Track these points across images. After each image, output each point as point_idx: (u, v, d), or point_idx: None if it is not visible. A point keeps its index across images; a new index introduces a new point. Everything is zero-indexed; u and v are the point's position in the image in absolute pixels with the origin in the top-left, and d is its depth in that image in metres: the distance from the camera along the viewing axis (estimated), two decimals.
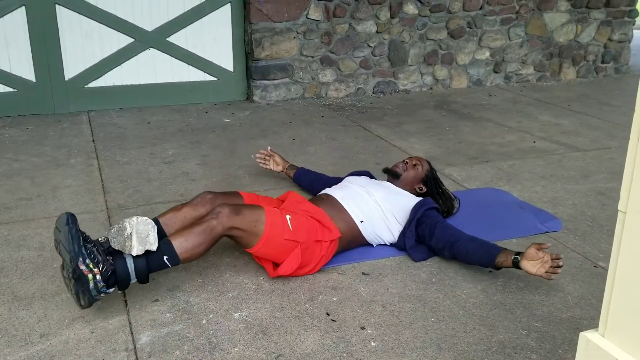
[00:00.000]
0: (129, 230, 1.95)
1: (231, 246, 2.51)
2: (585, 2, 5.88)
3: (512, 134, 4.29)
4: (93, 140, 3.94)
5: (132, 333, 1.95)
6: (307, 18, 4.92)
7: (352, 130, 4.28)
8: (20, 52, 4.31)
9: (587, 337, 1.07)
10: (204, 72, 4.85)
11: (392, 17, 5.22)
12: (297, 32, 4.92)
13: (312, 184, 2.99)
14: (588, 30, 6.02)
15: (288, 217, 2.18)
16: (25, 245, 2.52)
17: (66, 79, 4.49)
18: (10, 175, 3.29)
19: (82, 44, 4.45)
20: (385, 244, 2.51)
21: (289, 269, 2.19)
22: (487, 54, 5.74)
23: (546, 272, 2.05)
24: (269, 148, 3.16)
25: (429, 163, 2.79)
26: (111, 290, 1.96)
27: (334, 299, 2.16)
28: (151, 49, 4.65)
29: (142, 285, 2.08)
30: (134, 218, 1.99)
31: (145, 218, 2.00)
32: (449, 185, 3.27)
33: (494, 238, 2.63)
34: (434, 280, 2.31)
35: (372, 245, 2.50)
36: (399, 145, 3.98)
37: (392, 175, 2.69)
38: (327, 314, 2.06)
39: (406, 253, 2.47)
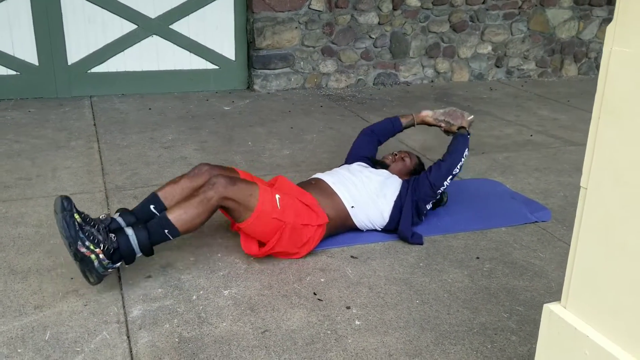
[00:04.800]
0: None
1: (224, 227, 2.56)
2: (588, 0, 5.90)
3: (510, 127, 4.32)
4: (94, 125, 3.99)
5: (124, 307, 2.00)
6: (309, 8, 4.95)
7: (351, 121, 4.32)
8: (23, 35, 4.36)
9: (549, 309, 1.12)
10: (206, 60, 4.89)
11: (394, 9, 5.24)
12: (299, 22, 4.95)
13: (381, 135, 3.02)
14: (590, 27, 6.03)
15: (277, 196, 2.22)
16: (23, 222, 2.58)
17: (69, 63, 4.54)
18: (10, 156, 3.35)
19: (85, 29, 4.50)
20: (376, 229, 2.56)
21: (271, 246, 2.23)
22: (489, 48, 5.76)
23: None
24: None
25: (418, 158, 2.87)
26: (117, 265, 2.03)
27: (322, 280, 2.21)
28: (154, 36, 4.70)
29: (146, 257, 2.13)
30: None
31: None
32: None
33: (485, 226, 2.69)
34: (421, 264, 2.35)
35: (361, 230, 2.54)
36: (396, 136, 4.01)
37: (381, 166, 2.74)
38: (314, 293, 2.11)
39: (396, 236, 2.51)
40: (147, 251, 2.07)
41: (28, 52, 4.42)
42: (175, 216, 2.07)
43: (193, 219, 2.09)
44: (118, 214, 2.19)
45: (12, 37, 4.35)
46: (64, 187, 2.96)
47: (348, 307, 2.04)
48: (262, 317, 1.96)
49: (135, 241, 2.02)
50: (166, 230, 2.06)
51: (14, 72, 4.43)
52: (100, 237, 1.96)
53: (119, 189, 2.97)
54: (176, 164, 3.32)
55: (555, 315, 1.10)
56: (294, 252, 2.31)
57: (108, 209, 2.74)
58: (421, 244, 2.49)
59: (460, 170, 2.63)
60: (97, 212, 2.68)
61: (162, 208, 2.20)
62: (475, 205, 2.90)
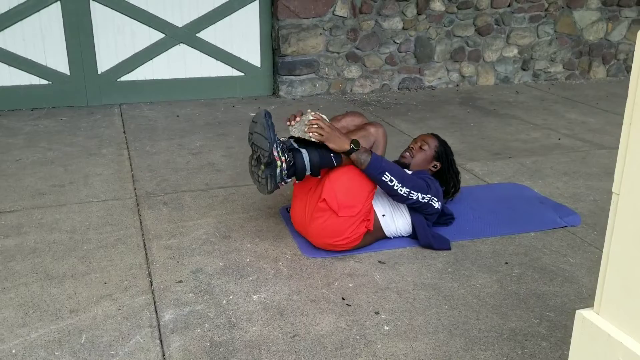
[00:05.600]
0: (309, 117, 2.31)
1: (252, 233, 2.59)
2: (616, 0, 5.81)
3: (537, 131, 4.28)
4: (124, 132, 4.07)
5: (156, 311, 2.04)
6: (333, 14, 4.98)
7: None
8: (55, 46, 4.47)
9: (582, 315, 1.12)
10: (232, 67, 4.95)
11: (418, 13, 5.25)
12: (324, 29, 4.99)
13: None
14: (619, 28, 5.95)
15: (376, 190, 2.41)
16: (57, 228, 2.64)
17: (99, 72, 4.64)
18: (44, 163, 3.44)
19: (114, 39, 4.60)
20: (403, 236, 2.56)
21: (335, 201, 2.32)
22: (515, 51, 5.72)
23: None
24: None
25: (437, 137, 2.74)
26: (289, 180, 2.29)
27: (350, 285, 2.22)
28: (181, 44, 4.77)
29: (314, 176, 2.36)
30: (309, 111, 2.35)
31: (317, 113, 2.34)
32: (469, 180, 3.31)
33: (514, 231, 2.67)
34: (449, 270, 2.35)
35: (389, 238, 2.55)
36: (409, 133, 4.00)
37: (401, 167, 2.71)
38: (343, 298, 2.13)
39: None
40: (316, 171, 2.30)
41: (60, 62, 4.53)
42: None
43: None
44: (293, 139, 2.39)
45: (45, 48, 4.46)
46: (96, 193, 3.03)
47: (377, 313, 2.05)
48: (292, 322, 1.98)
49: (308, 160, 2.27)
50: (332, 155, 2.30)
51: (46, 82, 4.55)
52: (284, 150, 2.24)
53: (149, 195, 3.03)
54: (204, 170, 3.37)
55: (588, 321, 1.10)
56: (344, 242, 2.37)
57: (139, 215, 2.79)
58: (448, 249, 2.48)
59: (413, 199, 2.38)
60: (128, 219, 2.74)
61: None
62: (503, 210, 2.88)
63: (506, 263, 2.40)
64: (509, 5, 5.52)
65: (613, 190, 1.04)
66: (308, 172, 2.30)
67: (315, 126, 2.27)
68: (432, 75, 5.51)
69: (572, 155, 3.75)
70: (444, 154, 2.70)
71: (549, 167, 3.52)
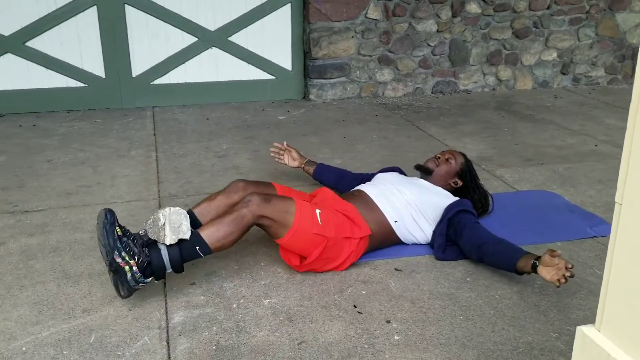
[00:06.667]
0: (162, 220, 2.03)
1: (268, 237, 2.57)
2: None
3: (574, 136, 4.13)
4: (154, 134, 4.13)
5: (166, 312, 2.05)
6: (365, 17, 4.93)
7: (405, 130, 4.26)
8: (91, 50, 4.58)
9: (583, 331, 1.05)
10: (263, 70, 4.97)
11: (453, 16, 5.15)
12: (356, 32, 4.95)
13: (337, 181, 2.89)
14: None
15: (318, 211, 2.20)
16: (80, 228, 2.69)
17: (133, 75, 4.72)
18: (74, 164, 3.51)
19: (148, 43, 4.67)
20: (421, 243, 2.50)
21: (312, 260, 2.20)
22: (554, 54, 5.55)
23: (558, 279, 1.94)
24: (285, 143, 3.06)
25: (464, 156, 2.69)
26: (149, 280, 2.03)
27: (363, 292, 2.17)
28: (213, 47, 4.82)
29: (180, 274, 2.14)
30: (167, 209, 2.06)
31: (177, 208, 2.07)
32: (498, 187, 3.21)
33: (540, 241, 2.57)
34: (468, 279, 2.28)
35: (406, 244, 2.48)
36: (451, 145, 3.93)
37: (424, 172, 2.63)
38: (354, 306, 2.08)
39: None
40: (178, 267, 2.05)
41: (96, 65, 4.63)
42: (208, 233, 2.06)
43: (225, 237, 2.07)
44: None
45: (81, 51, 4.57)
46: (121, 194, 3.07)
47: (388, 321, 2.00)
48: (300, 328, 1.95)
49: (167, 256, 2.02)
50: (197, 247, 2.05)
51: (82, 84, 4.66)
52: (136, 250, 1.98)
53: (172, 197, 3.05)
54: (228, 173, 3.38)
55: (588, 338, 1.03)
56: (335, 265, 2.28)
57: None
58: (453, 259, 2.40)
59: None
60: None
61: (197, 225, 2.20)
62: (529, 217, 2.78)
63: (527, 274, 2.30)
64: (548, 8, 5.36)
65: (616, 199, 0.97)
66: (169, 270, 2.05)
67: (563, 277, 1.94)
68: (467, 78, 5.40)
69: (608, 162, 3.60)
70: (467, 173, 2.64)
71: (582, 175, 3.39)
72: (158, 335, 1.92)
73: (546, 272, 1.99)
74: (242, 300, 2.11)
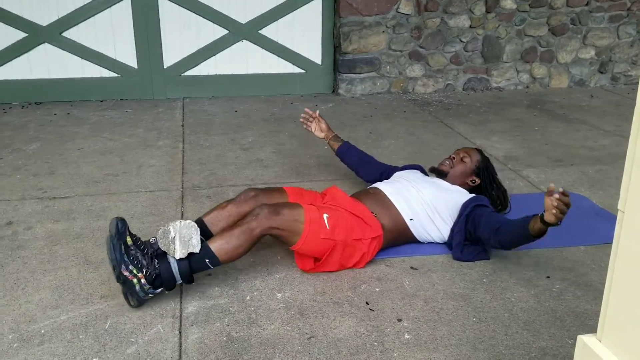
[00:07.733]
0: (172, 234, 2.03)
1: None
2: None
3: (607, 137, 4.02)
4: (182, 125, 4.18)
5: (181, 302, 2.08)
6: (397, 12, 4.89)
7: (433, 127, 4.21)
8: (124, 41, 4.67)
9: (583, 341, 1.02)
10: (293, 64, 4.98)
11: (487, 11, 5.06)
12: (387, 26, 4.91)
13: (359, 164, 2.86)
14: None
15: (325, 216, 2.18)
16: (104, 215, 2.75)
17: (165, 67, 4.79)
18: (103, 153, 3.59)
19: (180, 35, 4.73)
20: (436, 242, 2.47)
21: (326, 268, 2.23)
22: (592, 52, 5.40)
23: (554, 213, 1.90)
24: (317, 112, 2.99)
25: (480, 152, 2.64)
26: (158, 290, 2.02)
27: (377, 289, 2.17)
28: (244, 40, 4.85)
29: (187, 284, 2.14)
30: (178, 222, 2.05)
31: (188, 221, 2.07)
32: (523, 187, 3.16)
33: (562, 244, 2.52)
34: (484, 280, 2.24)
35: (422, 242, 2.46)
36: (478, 143, 3.87)
37: (439, 175, 2.58)
38: (367, 303, 2.08)
39: None
40: (188, 279, 2.05)
41: (128, 56, 4.72)
42: (217, 246, 2.06)
43: (235, 249, 2.07)
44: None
45: (115, 42, 4.66)
46: (146, 184, 3.12)
47: (399, 320, 1.98)
48: (310, 323, 1.96)
49: (177, 268, 2.01)
50: (207, 260, 2.04)
51: (115, 75, 4.75)
52: (144, 262, 1.98)
53: (195, 188, 3.09)
54: (252, 166, 3.40)
55: (588, 348, 1.00)
56: (349, 266, 2.28)
57: (182, 207, 2.85)
58: (487, 258, 2.37)
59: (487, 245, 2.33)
60: (171, 210, 2.81)
61: (207, 234, 2.20)
62: None
63: (548, 277, 2.26)
64: (586, 4, 5.21)
65: (618, 207, 0.94)
66: (179, 282, 2.04)
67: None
68: (500, 76, 5.30)
69: None
70: (485, 169, 2.59)
71: (613, 177, 3.29)
72: (171, 324, 1.95)
73: (549, 214, 1.95)
74: (255, 293, 2.13)
